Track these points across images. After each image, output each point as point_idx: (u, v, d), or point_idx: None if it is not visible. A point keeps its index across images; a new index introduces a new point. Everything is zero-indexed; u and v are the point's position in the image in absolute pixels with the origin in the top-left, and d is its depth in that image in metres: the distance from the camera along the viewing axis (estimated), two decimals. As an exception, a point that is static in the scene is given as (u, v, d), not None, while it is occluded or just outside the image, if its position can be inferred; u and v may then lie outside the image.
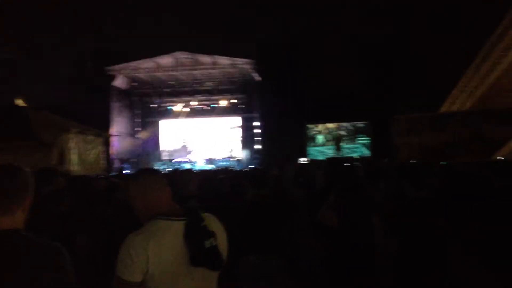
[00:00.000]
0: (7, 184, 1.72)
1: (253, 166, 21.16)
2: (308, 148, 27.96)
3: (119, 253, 1.94)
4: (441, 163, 10.01)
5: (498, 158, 18.38)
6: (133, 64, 25.62)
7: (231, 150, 28.99)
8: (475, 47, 25.27)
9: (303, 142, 28.04)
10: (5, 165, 1.80)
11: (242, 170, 14.54)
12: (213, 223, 2.20)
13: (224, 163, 26.39)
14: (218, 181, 6.39)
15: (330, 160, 8.01)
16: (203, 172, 11.48)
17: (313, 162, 22.25)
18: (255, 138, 27.33)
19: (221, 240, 2.17)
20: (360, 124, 27.75)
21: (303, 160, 24.88)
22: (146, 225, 2.03)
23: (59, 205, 3.97)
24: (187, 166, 26.08)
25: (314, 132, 28.41)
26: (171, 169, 18.87)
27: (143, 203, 2.12)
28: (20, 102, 21.25)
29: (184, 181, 4.18)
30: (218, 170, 13.00)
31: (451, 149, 21.78)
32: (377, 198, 4.34)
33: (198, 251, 1.98)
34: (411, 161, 11.59)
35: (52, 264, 1.69)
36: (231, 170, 12.55)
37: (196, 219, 2.08)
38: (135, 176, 2.28)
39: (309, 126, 28.35)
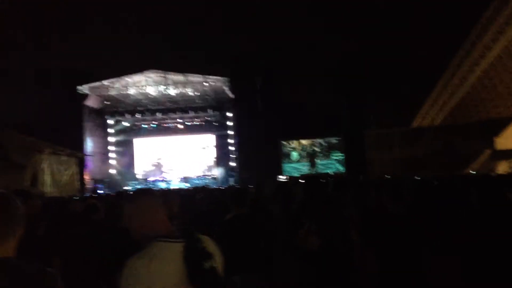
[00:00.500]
0: (2, 214, 1.72)
1: (232, 185, 21.04)
2: (283, 165, 28.03)
3: (121, 277, 1.95)
4: (415, 177, 10.17)
5: (470, 172, 18.74)
6: (105, 83, 25.40)
7: (206, 168, 28.86)
8: (444, 62, 25.95)
9: (278, 159, 28.12)
10: None
11: (219, 188, 14.46)
12: (210, 245, 2.22)
13: (199, 181, 26.23)
14: (198, 200, 6.35)
15: (308, 178, 8.08)
16: (182, 191, 11.38)
17: (291, 179, 22.30)
18: (230, 155, 27.27)
19: (218, 261, 2.19)
20: (333, 140, 28.01)
21: (281, 177, 24.94)
22: (146, 247, 2.04)
23: (35, 228, 3.89)
24: (162, 185, 25.84)
25: (288, 149, 28.54)
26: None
27: (139, 223, 2.16)
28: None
29: (166, 201, 4.13)
30: (196, 189, 12.90)
31: (424, 164, 22.07)
32: (346, 212, 4.36)
33: (198, 272, 2.00)
34: (386, 176, 11.75)
35: None
36: (209, 188, 12.48)
37: (194, 241, 2.10)
38: (132, 197, 2.32)
39: (284, 142, 28.47)
